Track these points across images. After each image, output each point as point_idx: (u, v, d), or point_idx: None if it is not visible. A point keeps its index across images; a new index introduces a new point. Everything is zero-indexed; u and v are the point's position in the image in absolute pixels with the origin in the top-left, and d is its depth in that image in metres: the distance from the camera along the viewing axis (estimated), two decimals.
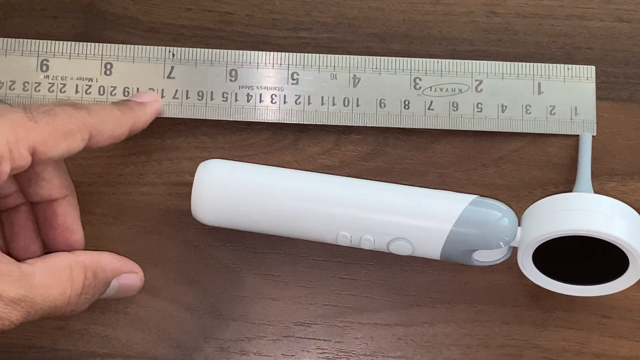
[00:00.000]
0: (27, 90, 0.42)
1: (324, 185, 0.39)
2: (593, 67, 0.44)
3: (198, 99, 0.43)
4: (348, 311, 0.42)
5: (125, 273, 0.38)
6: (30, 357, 0.41)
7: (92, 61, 0.43)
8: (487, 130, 0.43)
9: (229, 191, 0.39)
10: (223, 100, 0.43)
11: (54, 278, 0.35)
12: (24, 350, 0.41)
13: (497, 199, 0.39)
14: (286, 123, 0.43)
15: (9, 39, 0.43)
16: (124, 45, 0.43)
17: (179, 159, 0.43)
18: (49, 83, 0.43)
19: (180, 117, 0.43)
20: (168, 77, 0.43)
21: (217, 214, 0.39)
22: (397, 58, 0.43)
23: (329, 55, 0.43)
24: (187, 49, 0.43)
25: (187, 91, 0.43)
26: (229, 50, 0.43)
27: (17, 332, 0.41)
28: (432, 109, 0.43)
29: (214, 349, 0.41)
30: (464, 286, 0.42)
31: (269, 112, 0.43)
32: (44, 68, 0.43)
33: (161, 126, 0.44)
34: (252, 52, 0.43)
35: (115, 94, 0.43)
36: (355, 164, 0.44)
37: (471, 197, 0.38)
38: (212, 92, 0.43)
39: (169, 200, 0.43)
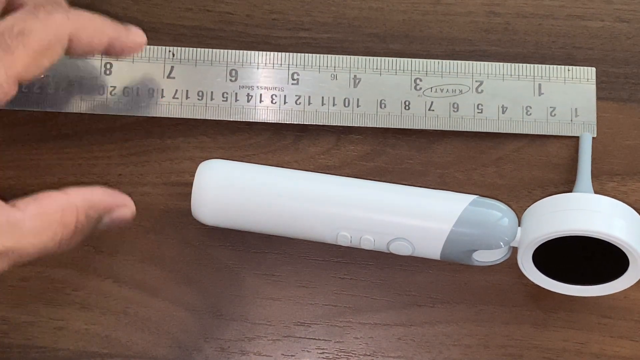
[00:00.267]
0: (28, 90, 0.42)
1: (324, 185, 0.39)
2: (593, 69, 0.44)
3: (198, 99, 0.43)
4: (348, 311, 0.42)
5: (117, 208, 0.37)
6: (30, 357, 0.41)
7: (92, 60, 0.43)
8: (487, 131, 0.43)
9: (229, 191, 0.39)
10: (223, 100, 0.43)
11: (45, 223, 0.34)
12: (24, 350, 0.41)
13: (497, 199, 0.39)
14: (286, 123, 0.43)
15: None
16: None
17: (179, 159, 0.43)
18: (50, 84, 0.42)
19: (180, 117, 0.43)
20: (168, 76, 0.43)
21: (217, 214, 0.39)
22: (398, 59, 0.43)
23: (329, 56, 0.43)
24: (187, 48, 0.43)
25: (187, 91, 0.43)
26: (229, 50, 0.43)
27: (17, 332, 0.41)
28: (433, 110, 0.43)
29: (214, 349, 0.41)
30: (464, 286, 0.42)
31: (269, 112, 0.43)
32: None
33: (161, 126, 0.44)
34: (252, 52, 0.43)
35: (115, 93, 0.43)
36: (355, 164, 0.44)
37: (471, 197, 0.38)
38: (212, 92, 0.43)
39: (169, 200, 0.43)
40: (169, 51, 0.43)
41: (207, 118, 0.43)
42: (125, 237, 0.42)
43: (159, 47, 0.43)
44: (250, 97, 0.43)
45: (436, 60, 0.43)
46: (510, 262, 0.39)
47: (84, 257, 0.42)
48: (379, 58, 0.43)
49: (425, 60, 0.43)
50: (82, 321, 0.41)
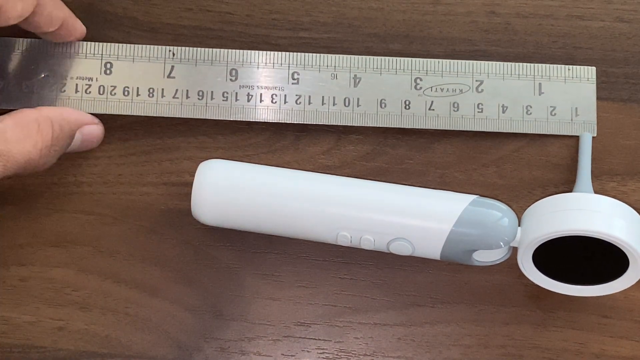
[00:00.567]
0: (28, 89, 0.42)
1: (324, 185, 0.39)
2: (593, 68, 0.44)
3: (198, 99, 0.43)
4: (348, 311, 0.42)
5: (87, 125, 0.41)
6: (31, 357, 0.41)
7: (92, 60, 0.43)
8: (487, 130, 0.43)
9: (229, 191, 0.39)
10: (223, 100, 0.43)
11: (24, 132, 0.38)
12: (24, 350, 0.41)
13: (497, 199, 0.39)
14: (286, 123, 0.43)
15: (10, 38, 0.43)
16: (124, 45, 0.43)
17: (179, 159, 0.43)
18: (49, 83, 0.42)
19: (180, 116, 0.43)
20: (168, 76, 0.43)
21: (217, 214, 0.39)
22: (398, 58, 0.43)
23: (329, 55, 0.43)
24: (187, 48, 0.43)
25: (187, 91, 0.43)
26: (230, 50, 0.43)
27: (17, 332, 0.41)
28: (433, 110, 0.43)
29: (214, 349, 0.41)
30: (464, 286, 0.42)
31: (269, 112, 0.43)
32: (45, 67, 0.43)
33: (161, 126, 0.44)
34: (253, 51, 0.43)
35: (115, 93, 0.43)
36: (355, 164, 0.44)
37: (471, 197, 0.38)
38: (212, 92, 0.43)
39: (169, 200, 0.43)
40: (169, 51, 0.43)
41: (207, 118, 0.43)
42: (125, 237, 0.42)
43: (159, 47, 0.43)
44: (250, 96, 0.43)
45: (436, 60, 0.43)
46: (510, 262, 0.40)
47: (84, 257, 0.42)
48: (379, 57, 0.43)
49: (425, 59, 0.43)
50: (82, 321, 0.41)
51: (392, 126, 0.43)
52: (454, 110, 0.43)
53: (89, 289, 0.42)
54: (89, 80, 0.43)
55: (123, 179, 0.43)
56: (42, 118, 0.38)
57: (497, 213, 0.38)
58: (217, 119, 0.43)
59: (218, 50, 0.43)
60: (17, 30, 0.45)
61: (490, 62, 0.44)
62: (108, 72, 0.43)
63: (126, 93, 0.43)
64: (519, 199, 0.43)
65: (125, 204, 0.43)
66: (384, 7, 0.46)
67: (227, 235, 0.42)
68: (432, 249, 0.38)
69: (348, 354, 0.41)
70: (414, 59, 0.43)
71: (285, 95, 0.43)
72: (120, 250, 0.42)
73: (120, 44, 0.43)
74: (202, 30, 0.45)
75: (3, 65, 0.43)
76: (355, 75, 0.43)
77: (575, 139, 0.43)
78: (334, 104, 0.43)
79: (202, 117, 0.43)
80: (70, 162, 0.43)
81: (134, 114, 0.43)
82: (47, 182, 0.43)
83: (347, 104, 0.43)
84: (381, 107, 0.43)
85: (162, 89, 0.43)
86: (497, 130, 0.43)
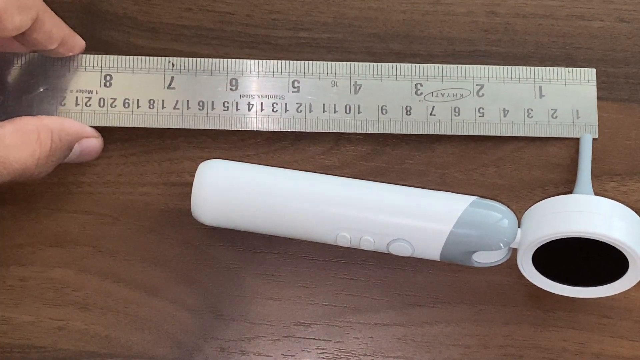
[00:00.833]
0: (28, 103, 0.42)
1: (324, 185, 0.39)
2: (593, 70, 0.44)
3: (199, 109, 0.43)
4: (348, 311, 0.42)
5: (86, 137, 0.41)
6: (31, 357, 0.41)
7: (92, 73, 0.43)
8: (489, 134, 0.43)
9: (229, 191, 0.39)
10: (224, 110, 0.43)
11: (23, 140, 0.37)
12: (24, 350, 0.41)
13: (497, 200, 0.39)
14: None
15: (9, 53, 0.42)
16: (124, 57, 0.43)
17: (179, 159, 0.43)
18: (49, 96, 0.42)
19: (181, 127, 0.42)
20: (168, 87, 0.43)
21: (217, 214, 0.39)
22: (398, 64, 0.43)
23: (329, 63, 0.43)
24: (186, 58, 0.43)
25: (187, 101, 0.43)
26: (229, 60, 0.43)
27: (17, 332, 0.41)
28: (434, 115, 0.43)
29: (214, 349, 0.41)
30: (464, 286, 0.42)
31: (270, 120, 0.43)
32: (44, 80, 0.42)
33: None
34: (252, 60, 0.43)
35: (115, 105, 0.42)
36: (355, 164, 0.44)
37: (471, 199, 0.38)
38: (213, 102, 0.43)
39: (169, 200, 0.43)
40: (169, 62, 0.43)
41: (208, 128, 0.42)
42: (125, 237, 0.42)
43: (159, 58, 0.43)
44: (251, 105, 0.43)
45: (436, 65, 0.43)
46: (510, 263, 0.39)
47: (84, 257, 0.42)
48: (379, 64, 0.43)
49: (425, 65, 0.43)
50: (82, 321, 0.41)
51: (394, 132, 0.43)
52: (455, 115, 0.43)
53: (89, 289, 0.42)
54: (89, 93, 0.42)
55: (123, 179, 0.43)
56: (42, 127, 0.38)
57: (497, 214, 0.38)
58: (218, 129, 0.43)
59: (218, 60, 0.43)
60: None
61: (490, 67, 0.43)
62: (108, 84, 0.43)
63: (126, 105, 0.43)
64: (519, 199, 0.43)
65: (125, 204, 0.43)
66: (384, 7, 0.46)
67: (227, 235, 0.42)
68: (432, 250, 0.38)
69: (348, 354, 0.41)
70: (414, 65, 0.43)
71: (286, 104, 0.43)
72: (120, 250, 0.42)
73: (120, 56, 0.43)
74: (202, 30, 0.45)
75: (2, 80, 0.42)
76: (355, 82, 0.43)
77: (576, 139, 0.43)
78: (335, 111, 0.43)
79: (203, 128, 0.42)
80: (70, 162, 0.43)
81: (135, 126, 0.42)
82: (47, 182, 0.43)
83: (348, 111, 0.43)
84: (382, 113, 0.43)
85: (163, 100, 0.43)
86: (499, 134, 0.43)
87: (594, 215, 0.37)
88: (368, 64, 0.43)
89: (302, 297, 0.42)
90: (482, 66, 0.43)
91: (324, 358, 0.41)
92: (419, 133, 0.43)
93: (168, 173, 0.43)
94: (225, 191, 0.39)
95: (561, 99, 0.43)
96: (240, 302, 0.42)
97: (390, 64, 0.43)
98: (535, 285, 0.40)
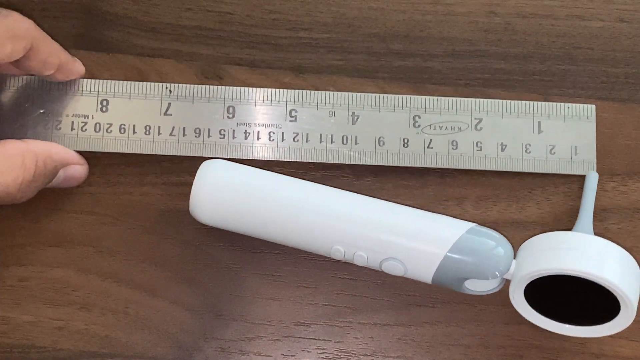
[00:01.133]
0: (23, 126, 0.42)
1: (323, 197, 0.39)
2: (593, 106, 0.43)
3: (195, 136, 0.42)
4: (348, 311, 0.42)
5: (72, 164, 0.41)
6: (31, 357, 0.41)
7: (88, 97, 0.42)
8: (487, 169, 0.43)
9: (227, 192, 0.39)
10: (220, 138, 0.42)
11: (7, 164, 0.37)
12: (24, 350, 0.41)
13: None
14: None
15: (5, 74, 0.42)
16: (121, 82, 0.43)
17: (179, 159, 0.43)
18: (45, 120, 0.42)
19: (177, 154, 0.42)
20: (165, 113, 0.43)
21: (213, 213, 0.39)
22: (396, 95, 0.43)
23: (327, 92, 0.43)
24: (184, 85, 0.43)
25: (184, 128, 0.42)
26: (227, 87, 0.43)
27: (17, 332, 0.41)
28: (432, 148, 0.42)
29: (214, 349, 0.41)
30: None
31: (266, 149, 0.42)
32: (40, 104, 0.42)
33: None
34: (250, 88, 0.43)
35: (111, 130, 0.42)
36: (355, 164, 0.43)
37: (469, 225, 0.38)
38: (209, 129, 0.42)
39: (169, 200, 0.43)
40: (166, 88, 0.43)
41: (204, 156, 0.42)
42: (125, 237, 0.42)
43: (156, 84, 0.43)
44: (247, 134, 0.43)
45: (435, 98, 0.43)
46: None
47: (84, 257, 0.42)
48: (377, 95, 0.43)
49: (423, 97, 0.43)
50: (82, 321, 0.41)
51: (391, 165, 0.42)
52: (452, 149, 0.42)
53: (89, 289, 0.42)
54: (85, 118, 0.42)
55: (123, 179, 0.43)
56: (27, 152, 0.38)
57: (493, 243, 0.37)
58: (214, 157, 0.42)
59: (215, 87, 0.43)
60: None
61: (489, 100, 0.43)
62: (104, 109, 0.42)
63: (122, 131, 0.42)
64: (519, 199, 0.43)
65: (125, 204, 0.43)
66: (384, 7, 0.46)
67: (227, 235, 0.42)
68: (424, 273, 0.38)
69: (348, 354, 0.41)
70: (412, 96, 0.43)
71: (282, 133, 0.43)
72: (120, 250, 0.42)
73: (117, 81, 0.43)
74: (202, 30, 0.45)
75: None
76: (353, 113, 0.43)
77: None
78: (331, 142, 0.42)
79: (199, 155, 0.42)
80: None
81: (131, 152, 0.42)
82: None
83: (345, 142, 0.42)
84: (379, 145, 0.42)
85: (159, 127, 0.42)
86: (496, 169, 0.42)
87: (590, 255, 0.36)
88: (366, 94, 0.43)
89: (302, 297, 0.42)
90: (481, 99, 0.43)
91: (324, 358, 0.41)
92: (415, 166, 0.42)
93: (168, 173, 0.43)
94: (223, 192, 0.39)
95: (560, 135, 0.43)
96: (240, 302, 0.42)
97: (389, 95, 0.43)
98: None
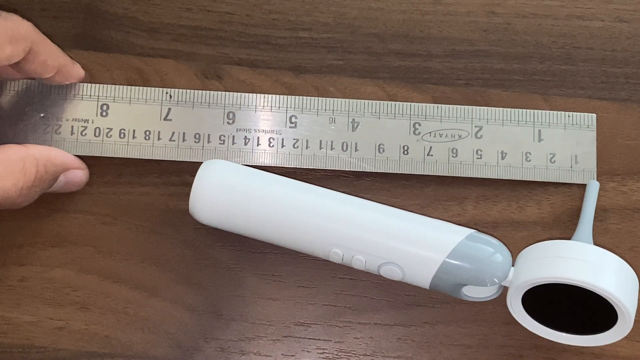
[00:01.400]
0: (23, 130, 0.42)
1: (323, 199, 0.39)
2: (594, 115, 0.43)
3: (195, 142, 0.42)
4: (348, 311, 0.42)
5: (73, 169, 0.41)
6: (31, 357, 0.41)
7: (88, 102, 0.42)
8: (486, 177, 0.42)
9: (227, 193, 0.39)
10: (220, 144, 0.42)
11: (7, 169, 0.37)
12: (24, 350, 0.41)
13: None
14: None
15: (5, 79, 0.42)
16: (121, 87, 0.43)
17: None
18: (44, 124, 0.42)
19: (177, 160, 0.42)
20: (165, 119, 0.42)
21: (213, 213, 0.39)
22: (397, 103, 0.43)
23: (327, 99, 0.43)
24: (184, 90, 0.43)
25: (184, 133, 0.42)
26: (227, 93, 0.43)
27: (17, 332, 0.41)
28: (432, 155, 0.42)
29: (214, 349, 0.41)
30: None
31: (266, 155, 0.42)
32: (40, 108, 0.42)
33: None
34: (250, 94, 0.43)
35: (111, 135, 0.42)
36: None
37: (468, 231, 0.38)
38: (209, 135, 0.42)
39: (169, 200, 0.43)
40: (166, 93, 0.43)
41: (204, 161, 0.42)
42: (125, 237, 0.42)
43: (156, 89, 0.43)
44: (247, 140, 0.42)
45: (435, 105, 0.43)
46: None
47: (84, 257, 0.42)
48: (377, 102, 0.43)
49: (424, 104, 0.43)
50: (82, 321, 0.41)
51: (390, 172, 0.42)
52: (452, 156, 0.42)
53: (89, 289, 0.42)
54: (84, 122, 0.42)
55: (123, 179, 0.43)
56: (27, 157, 0.38)
57: (491, 250, 0.37)
58: None
59: (215, 92, 0.43)
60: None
61: (489, 108, 0.43)
62: (104, 114, 0.42)
63: (122, 135, 0.42)
64: (519, 199, 0.43)
65: (125, 204, 0.43)
66: (384, 7, 0.46)
67: (227, 235, 0.42)
68: (422, 278, 0.38)
69: (348, 354, 0.41)
70: (412, 104, 0.43)
71: (282, 139, 0.43)
72: (120, 250, 0.42)
73: (117, 86, 0.43)
74: (202, 30, 0.45)
75: None
76: (353, 120, 0.43)
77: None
78: (331, 148, 0.42)
79: (198, 161, 0.41)
80: None
81: (130, 157, 0.42)
82: None
83: (344, 149, 0.42)
84: (379, 152, 0.42)
85: (159, 132, 0.42)
86: (496, 177, 0.42)
87: (589, 264, 0.36)
88: (367, 101, 0.43)
89: (302, 297, 0.42)
90: (481, 107, 0.43)
91: (324, 358, 0.41)
92: (415, 173, 0.42)
93: (168, 173, 0.43)
94: (223, 192, 0.39)
95: (560, 144, 0.43)
96: (240, 302, 0.42)
97: (389, 102, 0.43)
98: None
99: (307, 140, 0.42)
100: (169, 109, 0.43)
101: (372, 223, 0.38)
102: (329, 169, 0.42)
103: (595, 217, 0.41)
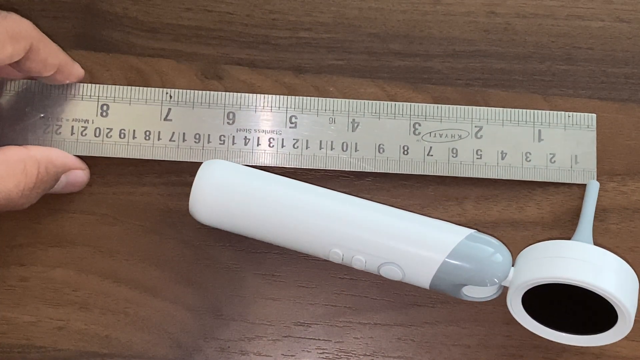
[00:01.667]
0: (23, 130, 0.42)
1: (323, 199, 0.39)
2: (594, 115, 0.43)
3: (195, 142, 0.42)
4: (348, 311, 0.42)
5: (74, 169, 0.41)
6: (30, 357, 0.41)
7: (89, 102, 0.42)
8: (486, 177, 0.42)
9: (227, 193, 0.39)
10: (220, 144, 0.42)
11: (8, 170, 0.37)
12: (24, 350, 0.41)
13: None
14: None
15: (4, 79, 0.42)
16: (121, 87, 0.43)
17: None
18: (44, 124, 0.42)
19: (177, 160, 0.42)
20: (165, 119, 0.42)
21: (213, 213, 0.39)
22: (397, 103, 0.43)
23: (327, 99, 0.43)
24: (184, 91, 0.43)
25: (183, 134, 0.42)
26: (227, 93, 0.43)
27: (17, 332, 0.41)
28: (432, 155, 0.42)
29: (214, 349, 0.41)
30: None
31: (266, 155, 0.42)
32: (40, 108, 0.42)
33: None
34: (250, 94, 0.43)
35: (111, 135, 0.42)
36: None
37: (468, 231, 0.38)
38: (209, 135, 0.42)
39: (169, 200, 0.43)
40: (166, 93, 0.43)
41: (204, 161, 0.41)
42: (125, 237, 0.42)
43: (156, 89, 0.43)
44: (247, 140, 0.42)
45: (435, 105, 0.43)
46: None
47: (84, 257, 0.42)
48: (377, 102, 0.43)
49: (424, 104, 0.43)
50: (82, 321, 0.41)
51: (390, 172, 0.42)
52: (452, 156, 0.42)
53: (89, 289, 0.42)
54: (85, 123, 0.42)
55: (123, 179, 0.43)
56: (29, 158, 0.38)
57: (491, 250, 0.37)
58: None
59: (215, 93, 0.43)
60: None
61: (489, 108, 0.43)
62: (104, 114, 0.42)
63: (122, 136, 0.42)
64: (519, 199, 0.43)
65: (125, 204, 0.43)
66: (384, 7, 0.46)
67: (227, 235, 0.42)
68: (422, 278, 0.38)
69: (348, 354, 0.41)
70: (412, 104, 0.43)
71: (282, 139, 0.43)
72: (120, 250, 0.42)
73: (117, 86, 0.43)
74: (202, 30, 0.45)
75: None
76: (353, 120, 0.43)
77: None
78: (331, 149, 0.42)
79: (198, 161, 0.41)
80: None
81: (130, 157, 0.42)
82: None
83: (344, 149, 0.42)
84: (379, 152, 0.42)
85: (159, 132, 0.42)
86: (496, 177, 0.42)
87: (589, 264, 0.36)
88: (367, 101, 0.43)
89: (302, 297, 0.42)
90: (481, 108, 0.43)
91: (324, 358, 0.41)
92: (415, 173, 0.42)
93: (168, 173, 0.43)
94: (223, 192, 0.39)
95: (560, 144, 0.43)
96: (240, 302, 0.42)
97: (389, 102, 0.43)
98: None
99: (307, 141, 0.43)
100: (169, 109, 0.43)
101: (372, 223, 0.38)
102: (329, 169, 0.42)
103: (595, 217, 0.41)
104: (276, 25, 0.45)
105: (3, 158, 0.37)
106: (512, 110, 0.43)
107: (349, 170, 0.42)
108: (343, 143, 0.43)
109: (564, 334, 0.39)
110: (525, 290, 0.37)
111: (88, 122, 0.42)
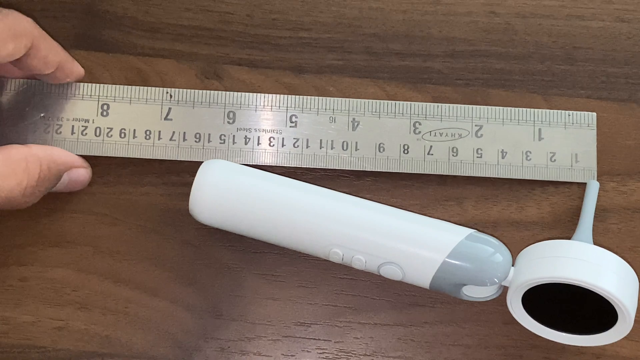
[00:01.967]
0: (23, 130, 0.42)
1: (322, 199, 0.39)
2: (594, 114, 0.43)
3: (195, 141, 0.42)
4: (348, 311, 0.42)
5: (76, 167, 0.41)
6: (30, 357, 0.41)
7: (89, 102, 0.42)
8: (487, 176, 0.42)
9: (227, 193, 0.39)
10: (220, 143, 0.42)
11: (10, 169, 0.37)
12: (24, 350, 0.41)
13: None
14: None
15: (5, 78, 0.42)
16: (121, 86, 0.43)
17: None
18: (45, 124, 0.42)
19: (177, 159, 0.42)
20: (165, 118, 0.42)
21: (213, 213, 0.39)
22: (397, 102, 0.43)
23: (328, 98, 0.43)
24: (184, 90, 0.43)
25: (184, 133, 0.42)
26: (227, 92, 0.43)
27: (17, 332, 0.41)
28: (432, 154, 0.42)
29: (214, 349, 0.41)
30: None
31: (266, 155, 0.42)
32: (41, 108, 0.42)
33: None
34: (251, 94, 0.43)
35: (111, 135, 0.42)
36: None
37: (468, 231, 0.38)
38: (209, 135, 0.42)
39: (169, 200, 0.43)
40: (167, 92, 0.43)
41: (204, 161, 0.41)
42: (125, 237, 0.42)
43: (157, 89, 0.43)
44: (248, 139, 0.42)
45: (436, 104, 0.43)
46: None
47: (84, 257, 0.42)
48: (378, 101, 0.43)
49: (424, 103, 0.43)
50: (82, 321, 0.41)
51: (390, 171, 0.42)
52: (452, 155, 0.42)
53: (89, 289, 0.42)
54: (85, 122, 0.42)
55: (123, 179, 0.43)
56: (31, 157, 0.38)
57: (491, 250, 0.37)
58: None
59: (215, 92, 0.43)
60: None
61: (489, 107, 0.43)
62: (105, 113, 0.42)
63: (122, 135, 0.42)
64: (519, 199, 0.43)
65: (125, 204, 0.43)
66: (384, 7, 0.46)
67: (227, 235, 0.42)
68: (422, 278, 0.38)
69: (348, 354, 0.41)
70: (413, 103, 0.43)
71: (283, 139, 0.43)
72: (120, 250, 0.42)
73: (117, 85, 0.43)
74: (202, 30, 0.45)
75: None
76: (353, 119, 0.43)
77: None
78: (331, 148, 0.42)
79: (199, 160, 0.41)
80: None
81: (131, 157, 0.42)
82: None
83: (345, 148, 0.42)
84: (380, 151, 0.42)
85: (159, 131, 0.42)
86: (496, 176, 0.42)
87: (589, 264, 0.36)
88: (367, 100, 0.43)
89: (302, 297, 0.42)
90: (482, 107, 0.43)
91: (324, 358, 0.41)
92: (415, 172, 0.42)
93: (168, 173, 0.43)
94: (223, 192, 0.39)
95: (560, 143, 0.43)
96: (240, 302, 0.42)
97: (389, 101, 0.43)
98: None
99: (307, 140, 0.43)
100: (170, 108, 0.43)
101: (372, 223, 0.38)
102: (329, 168, 0.42)
103: (595, 217, 0.42)
104: (276, 25, 0.45)
105: (5, 156, 0.37)
106: (513, 109, 0.43)
107: (349, 169, 0.42)
108: (343, 142, 0.43)
109: (564, 334, 0.39)
110: (525, 290, 0.37)
111: (88, 122, 0.42)
